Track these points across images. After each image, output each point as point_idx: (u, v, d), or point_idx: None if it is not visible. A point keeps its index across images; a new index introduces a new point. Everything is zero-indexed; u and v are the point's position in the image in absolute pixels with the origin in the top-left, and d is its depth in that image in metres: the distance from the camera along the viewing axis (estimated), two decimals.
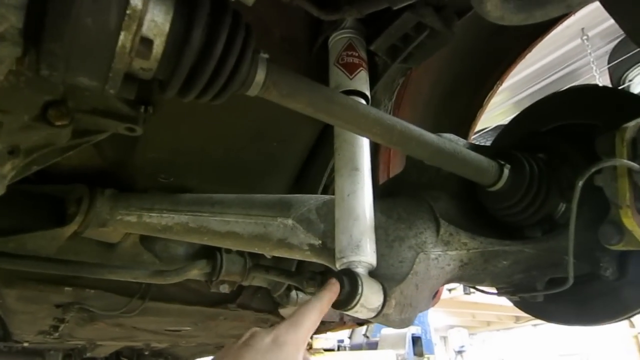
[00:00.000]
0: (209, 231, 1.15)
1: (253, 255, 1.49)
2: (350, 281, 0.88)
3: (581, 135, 1.02)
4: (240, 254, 1.46)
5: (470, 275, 1.03)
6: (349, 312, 0.91)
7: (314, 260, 1.14)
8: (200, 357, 4.27)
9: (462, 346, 10.13)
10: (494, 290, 1.15)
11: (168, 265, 1.43)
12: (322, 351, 2.38)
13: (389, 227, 1.07)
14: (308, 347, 2.39)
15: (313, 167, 1.45)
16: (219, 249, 1.44)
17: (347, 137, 1.08)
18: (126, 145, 1.24)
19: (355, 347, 4.99)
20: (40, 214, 1.29)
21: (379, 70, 1.21)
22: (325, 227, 1.12)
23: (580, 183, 0.81)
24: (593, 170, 0.82)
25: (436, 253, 1.03)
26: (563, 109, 1.07)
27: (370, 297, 0.90)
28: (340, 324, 2.06)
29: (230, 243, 1.16)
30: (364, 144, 1.08)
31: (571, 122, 1.04)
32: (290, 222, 1.12)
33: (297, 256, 1.15)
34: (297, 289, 1.63)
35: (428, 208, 1.10)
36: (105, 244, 1.35)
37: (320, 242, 1.10)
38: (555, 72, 5.29)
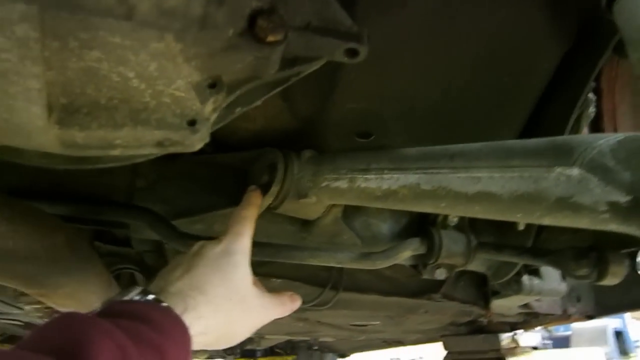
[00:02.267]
0: (449, 193, 0.83)
1: (474, 232, 1.16)
2: None
3: None
4: (461, 229, 1.13)
5: None
6: None
7: (615, 227, 0.77)
8: (359, 352, 4.07)
9: (637, 340, 8.79)
10: None
11: (370, 246, 1.15)
12: (530, 350, 2.01)
13: None
14: (514, 346, 2.00)
15: (554, 105, 1.07)
16: (434, 224, 1.13)
17: None
18: (322, 94, 0.97)
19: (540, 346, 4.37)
20: (225, 189, 1.09)
21: None
22: (633, 175, 0.74)
23: None
24: None
25: None
26: None
27: None
28: (563, 317, 1.64)
29: (479, 209, 0.83)
30: None
31: None
32: (575, 171, 0.76)
33: (584, 222, 0.79)
34: (531, 272, 1.26)
35: None
36: (299, 222, 1.11)
37: (629, 197, 0.74)
38: None
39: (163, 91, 0.56)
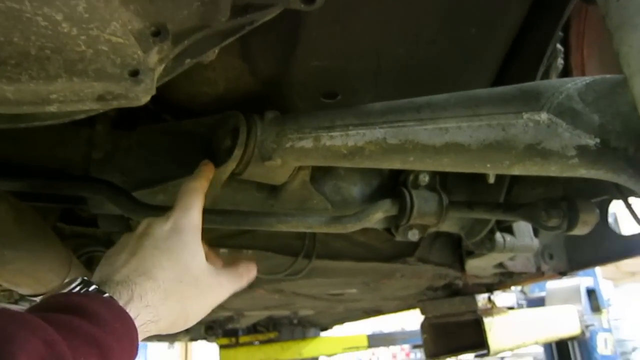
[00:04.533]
0: (416, 146, 0.81)
1: (445, 190, 1.14)
2: None
3: None
4: (432, 188, 1.12)
5: None
6: None
7: (584, 172, 0.76)
8: (340, 323, 4.09)
9: (608, 299, 9.04)
10: None
11: (341, 210, 1.13)
12: (505, 310, 2.03)
13: None
14: (490, 307, 2.02)
15: (523, 56, 1.05)
16: (405, 185, 1.11)
17: None
18: (284, 52, 0.93)
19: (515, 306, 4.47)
20: (188, 157, 1.04)
21: None
22: (602, 117, 0.73)
23: None
24: None
25: None
26: None
27: None
28: (537, 275, 1.66)
29: (448, 161, 0.81)
30: None
31: None
32: (544, 116, 0.74)
33: (553, 169, 0.77)
34: (504, 230, 1.26)
35: None
36: (267, 188, 1.07)
37: (597, 140, 0.72)
38: None
39: (98, 37, 0.51)
